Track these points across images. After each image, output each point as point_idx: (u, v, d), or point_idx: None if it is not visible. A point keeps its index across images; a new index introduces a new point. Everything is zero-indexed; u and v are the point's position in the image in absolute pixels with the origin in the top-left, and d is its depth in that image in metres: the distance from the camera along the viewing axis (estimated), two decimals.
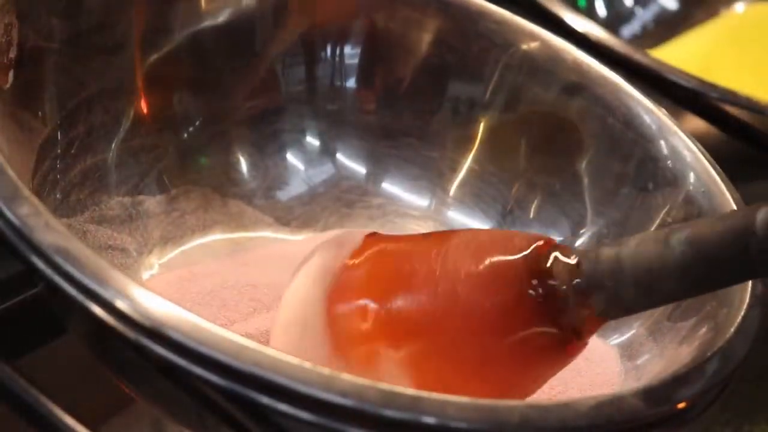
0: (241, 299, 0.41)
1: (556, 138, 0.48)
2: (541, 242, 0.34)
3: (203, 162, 0.48)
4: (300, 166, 0.50)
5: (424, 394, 0.29)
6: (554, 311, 0.34)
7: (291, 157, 0.50)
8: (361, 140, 0.50)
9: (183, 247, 0.45)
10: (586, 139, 0.47)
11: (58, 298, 0.31)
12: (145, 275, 0.43)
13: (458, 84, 0.50)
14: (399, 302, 0.35)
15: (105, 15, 0.44)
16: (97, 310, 0.30)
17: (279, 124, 0.50)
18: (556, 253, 0.34)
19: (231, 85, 0.48)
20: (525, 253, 0.34)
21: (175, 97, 0.47)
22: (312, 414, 0.29)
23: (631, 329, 0.42)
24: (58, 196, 0.41)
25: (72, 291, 0.30)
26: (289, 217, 0.48)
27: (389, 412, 0.29)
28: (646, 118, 0.46)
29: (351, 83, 0.50)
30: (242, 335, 0.30)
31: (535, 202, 0.48)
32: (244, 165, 0.49)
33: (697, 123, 0.59)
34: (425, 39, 0.50)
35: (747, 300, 0.37)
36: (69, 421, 0.32)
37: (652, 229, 0.44)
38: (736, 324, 0.36)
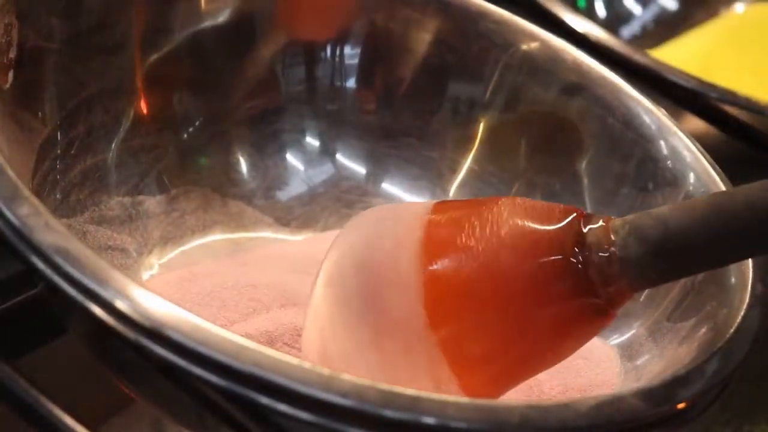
0: (241, 299, 0.41)
1: (556, 138, 0.48)
2: (576, 213, 0.35)
3: (203, 162, 0.48)
4: (300, 166, 0.50)
5: (424, 394, 0.29)
6: (592, 280, 0.34)
7: (291, 158, 0.50)
8: (361, 140, 0.50)
9: (183, 248, 0.45)
10: (586, 139, 0.47)
11: (58, 298, 0.31)
12: (145, 275, 0.43)
13: (458, 84, 0.50)
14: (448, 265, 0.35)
15: (105, 15, 0.44)
16: (97, 311, 0.30)
17: (279, 124, 0.50)
18: (592, 224, 0.34)
19: (231, 85, 0.48)
20: (568, 220, 0.34)
21: (175, 97, 0.47)
22: (312, 414, 0.29)
23: (630, 329, 0.42)
24: (58, 196, 0.41)
25: (72, 291, 0.30)
26: (289, 217, 0.48)
27: (389, 413, 0.29)
28: (646, 119, 0.46)
29: (351, 83, 0.50)
30: (242, 335, 0.30)
31: None
32: (243, 165, 0.49)
33: (697, 123, 0.59)
34: (425, 39, 0.50)
35: (747, 300, 0.37)
36: (69, 421, 0.32)
37: None
38: (736, 324, 0.36)
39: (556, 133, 0.48)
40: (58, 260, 0.30)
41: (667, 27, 0.80)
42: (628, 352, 0.42)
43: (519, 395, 0.39)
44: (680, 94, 0.58)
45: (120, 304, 0.30)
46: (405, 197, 0.50)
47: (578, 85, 0.48)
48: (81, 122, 0.43)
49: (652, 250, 0.33)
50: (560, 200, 0.47)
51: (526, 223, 0.34)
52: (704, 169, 0.44)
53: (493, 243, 0.34)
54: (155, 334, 0.29)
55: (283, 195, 0.49)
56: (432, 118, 0.50)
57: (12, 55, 0.39)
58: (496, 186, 0.49)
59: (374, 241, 0.36)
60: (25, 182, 0.34)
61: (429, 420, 0.29)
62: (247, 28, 0.49)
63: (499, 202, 0.35)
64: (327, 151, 0.50)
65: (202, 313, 0.36)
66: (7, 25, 0.39)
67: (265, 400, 0.29)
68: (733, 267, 0.38)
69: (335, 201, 0.49)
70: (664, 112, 0.46)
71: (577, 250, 0.34)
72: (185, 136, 0.47)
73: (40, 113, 0.41)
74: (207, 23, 0.47)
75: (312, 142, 0.50)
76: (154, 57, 0.46)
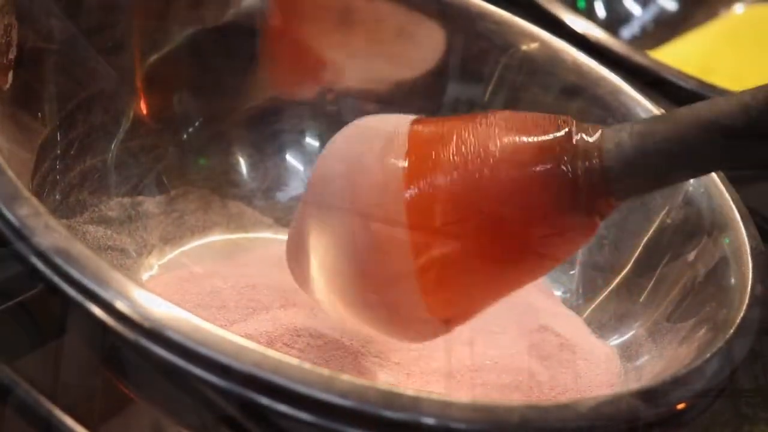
0: (241, 300, 0.41)
1: None
2: (567, 122, 0.35)
3: (203, 163, 0.48)
4: (299, 167, 0.50)
5: (424, 394, 0.29)
6: (581, 188, 0.34)
7: (290, 158, 0.50)
8: None
9: (182, 248, 0.45)
10: None
11: (58, 298, 0.31)
12: (145, 276, 0.43)
13: (458, 84, 0.50)
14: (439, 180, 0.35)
15: (105, 15, 0.44)
16: (97, 311, 0.30)
17: (279, 124, 0.50)
18: (582, 133, 0.34)
19: (231, 85, 0.48)
20: (559, 129, 0.35)
21: (175, 98, 0.47)
22: (312, 415, 0.29)
23: (630, 330, 0.42)
24: (57, 196, 0.41)
25: (72, 292, 0.30)
26: (288, 217, 0.48)
27: (389, 413, 0.29)
28: None
29: (351, 83, 0.50)
30: (242, 336, 0.30)
31: None
32: (243, 166, 0.49)
33: None
34: (425, 39, 0.50)
35: (747, 300, 0.37)
36: (69, 421, 0.32)
37: (651, 230, 0.44)
38: (735, 324, 0.36)
39: None
40: (58, 261, 0.30)
41: (666, 28, 0.80)
42: (628, 352, 0.42)
43: (519, 395, 0.39)
44: (680, 95, 0.58)
45: (120, 305, 0.30)
46: None
47: (578, 86, 0.48)
48: (80, 123, 0.43)
49: (640, 156, 0.34)
50: None
51: (516, 132, 0.35)
52: None
53: (482, 152, 0.34)
54: (155, 334, 0.29)
55: (283, 195, 0.49)
56: None
57: (12, 55, 0.39)
58: None
59: (359, 146, 0.37)
60: (25, 183, 0.34)
61: (429, 420, 0.29)
62: (247, 29, 0.49)
63: (489, 114, 0.35)
64: None
65: (201, 314, 0.36)
66: (7, 25, 0.39)
67: (265, 400, 0.29)
68: (733, 267, 0.38)
69: None
70: (664, 112, 0.46)
71: (566, 158, 0.34)
72: (185, 136, 0.47)
73: (39, 114, 0.41)
74: (207, 24, 0.47)
75: (312, 142, 0.50)
76: (153, 57, 0.46)
